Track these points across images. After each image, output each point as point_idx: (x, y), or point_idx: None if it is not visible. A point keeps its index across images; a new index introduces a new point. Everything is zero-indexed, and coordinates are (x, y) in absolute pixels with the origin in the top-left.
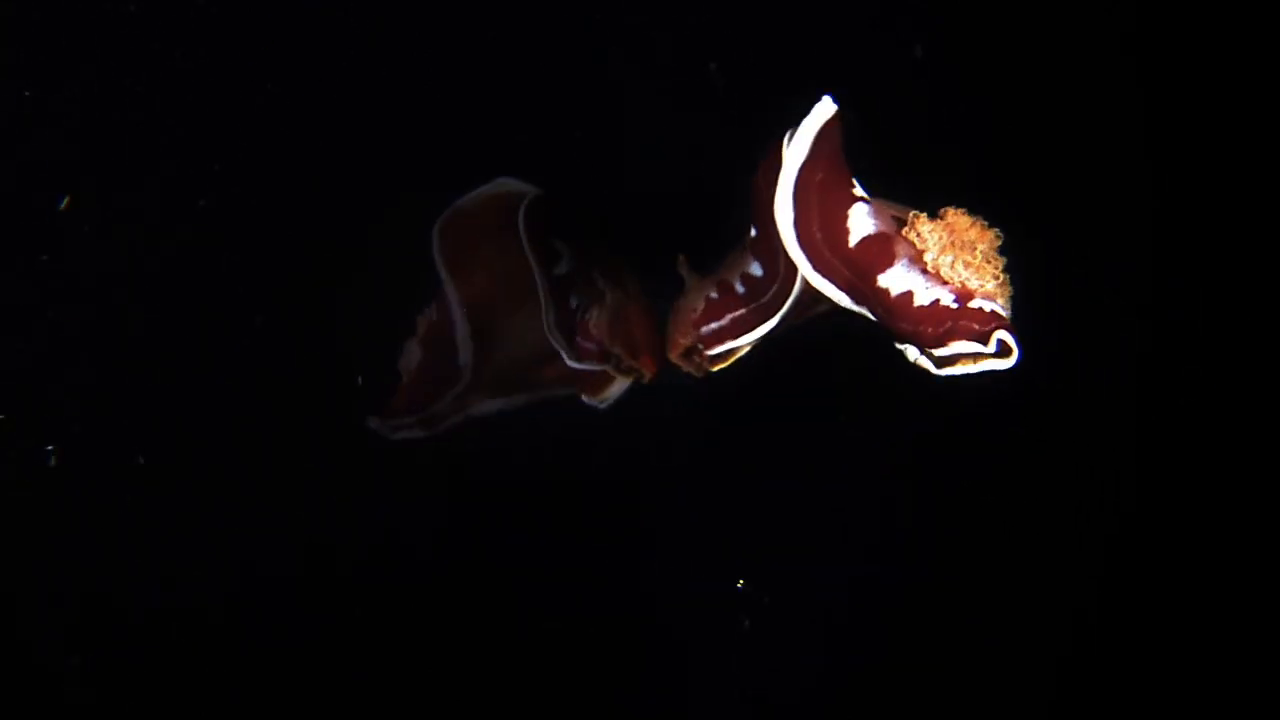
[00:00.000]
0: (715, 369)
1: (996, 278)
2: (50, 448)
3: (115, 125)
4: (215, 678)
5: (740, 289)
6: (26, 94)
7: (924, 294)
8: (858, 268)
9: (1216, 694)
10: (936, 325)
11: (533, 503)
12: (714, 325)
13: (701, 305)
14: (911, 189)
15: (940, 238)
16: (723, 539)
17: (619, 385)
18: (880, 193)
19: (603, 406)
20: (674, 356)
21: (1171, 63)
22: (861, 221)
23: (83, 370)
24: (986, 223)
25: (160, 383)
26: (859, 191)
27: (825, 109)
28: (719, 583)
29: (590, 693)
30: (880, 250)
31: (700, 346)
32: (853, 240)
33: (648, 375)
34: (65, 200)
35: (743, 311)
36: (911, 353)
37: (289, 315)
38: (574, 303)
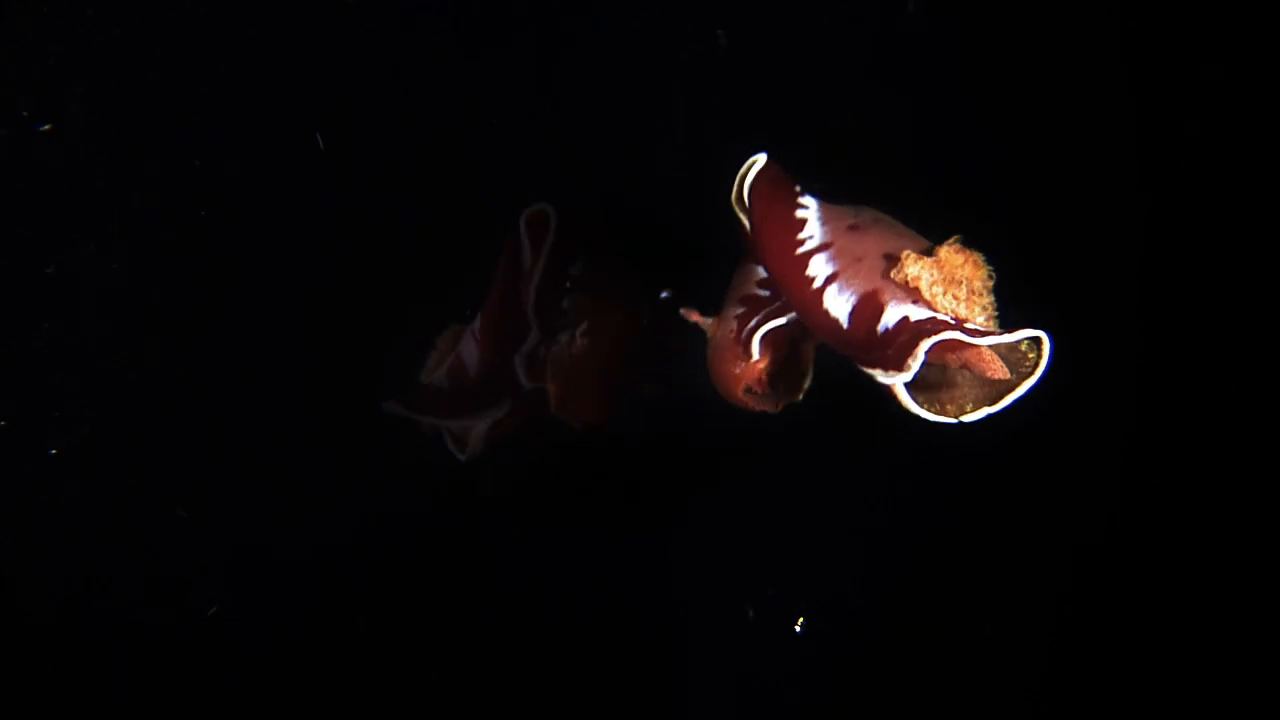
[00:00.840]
0: (797, 398)
1: (986, 312)
2: (53, 451)
3: (116, 136)
4: (213, 673)
5: (764, 293)
6: (25, 114)
7: (917, 314)
8: (856, 347)
9: (1216, 699)
10: (933, 326)
11: (536, 496)
12: (751, 324)
13: (735, 325)
14: (911, 184)
15: (931, 275)
16: (727, 533)
17: None
18: (881, 189)
19: None
20: (738, 395)
21: (1168, 61)
22: (838, 302)
23: (82, 374)
24: (982, 258)
25: (160, 380)
26: (805, 201)
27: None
28: (721, 575)
29: (590, 679)
30: (870, 316)
31: (757, 363)
32: (845, 324)
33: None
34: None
35: (778, 304)
36: (918, 410)
37: (291, 314)
38: (564, 304)
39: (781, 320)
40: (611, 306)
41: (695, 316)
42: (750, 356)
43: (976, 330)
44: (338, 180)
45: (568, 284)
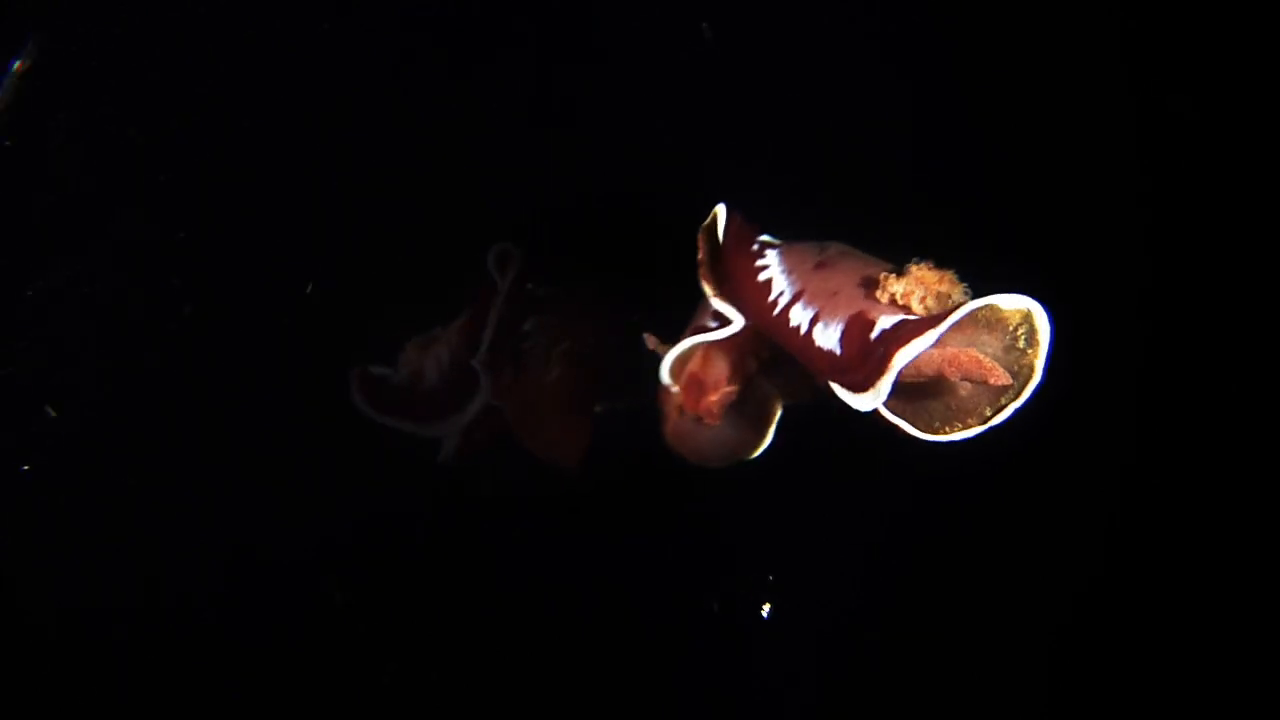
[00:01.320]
0: (749, 455)
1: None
2: (50, 454)
3: (115, 135)
4: (213, 673)
5: (713, 324)
6: (7, 143)
7: (913, 319)
8: (853, 368)
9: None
10: (936, 319)
11: (536, 497)
12: (686, 342)
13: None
14: (909, 184)
15: (920, 290)
16: (727, 534)
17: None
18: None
19: None
20: (665, 431)
21: (1165, 63)
22: (825, 336)
23: (80, 376)
24: (954, 275)
25: (159, 381)
26: (767, 259)
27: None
28: (721, 575)
29: (590, 679)
30: (860, 332)
31: (689, 394)
32: (839, 351)
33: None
34: None
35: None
36: (916, 432)
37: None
38: (528, 326)
39: (688, 343)
40: (578, 331)
41: (653, 343)
42: (670, 385)
43: (976, 303)
44: (338, 181)
45: (532, 304)
